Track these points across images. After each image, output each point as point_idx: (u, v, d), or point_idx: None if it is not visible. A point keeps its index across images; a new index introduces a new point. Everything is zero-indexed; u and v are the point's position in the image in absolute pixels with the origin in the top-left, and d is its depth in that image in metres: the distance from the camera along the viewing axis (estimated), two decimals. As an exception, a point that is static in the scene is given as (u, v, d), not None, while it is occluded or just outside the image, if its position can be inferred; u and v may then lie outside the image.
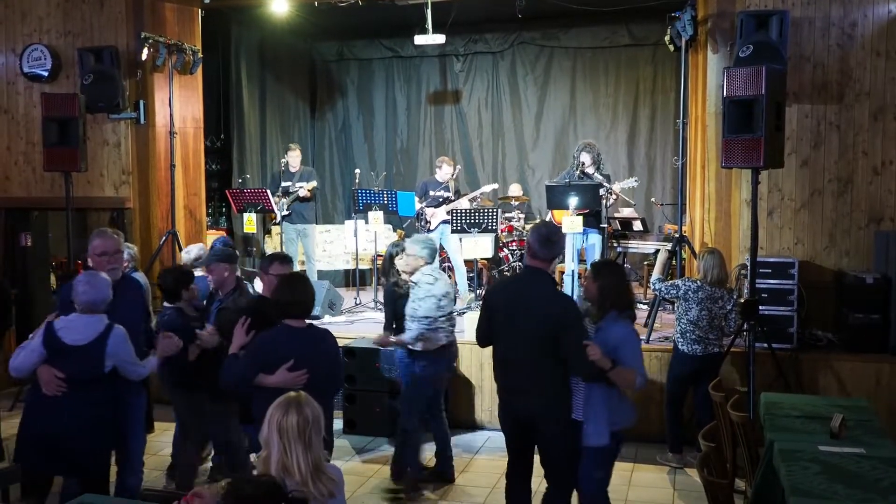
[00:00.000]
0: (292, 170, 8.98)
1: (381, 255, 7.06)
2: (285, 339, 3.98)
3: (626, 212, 9.39)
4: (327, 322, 7.65)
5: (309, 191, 8.84)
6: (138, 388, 4.63)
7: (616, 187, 7.92)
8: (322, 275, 9.64)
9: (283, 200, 8.75)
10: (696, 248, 7.15)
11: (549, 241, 4.18)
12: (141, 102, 8.21)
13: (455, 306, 7.07)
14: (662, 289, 5.98)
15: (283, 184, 8.86)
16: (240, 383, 3.99)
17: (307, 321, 4.08)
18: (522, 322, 4.13)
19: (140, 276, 6.22)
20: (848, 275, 6.41)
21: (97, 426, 4.22)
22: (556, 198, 7.73)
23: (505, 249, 9.42)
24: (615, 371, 3.94)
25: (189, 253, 6.03)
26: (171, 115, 8.29)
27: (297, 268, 9.15)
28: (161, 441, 6.44)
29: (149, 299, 6.07)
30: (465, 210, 8.20)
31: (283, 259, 4.77)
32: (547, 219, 9.41)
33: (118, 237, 4.64)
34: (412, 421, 5.45)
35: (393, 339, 5.48)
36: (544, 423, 4.15)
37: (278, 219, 8.89)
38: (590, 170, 7.99)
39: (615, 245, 8.97)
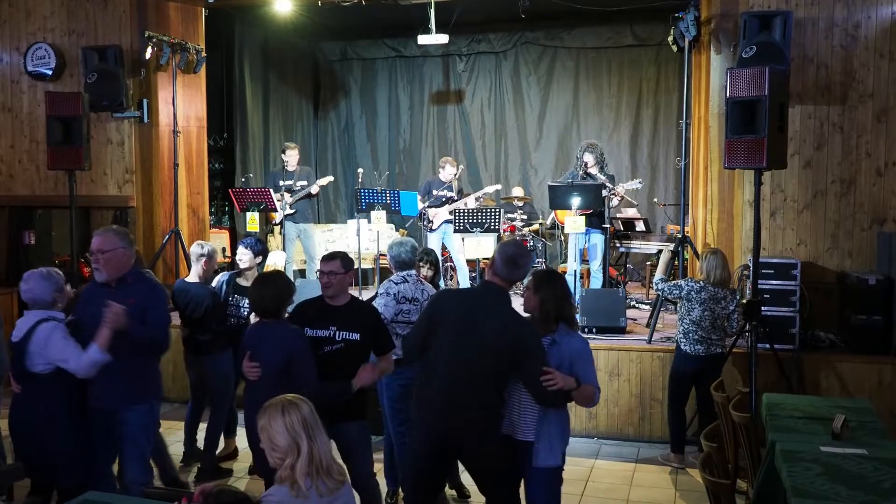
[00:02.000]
0: (290, 169, 8.93)
1: (384, 255, 7.05)
2: (251, 332, 4.32)
3: (629, 212, 9.40)
4: None
5: (322, 186, 8.86)
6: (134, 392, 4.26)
7: (620, 189, 7.92)
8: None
9: (287, 199, 8.73)
10: (699, 249, 7.15)
11: (515, 263, 3.89)
12: (144, 101, 8.23)
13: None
14: (665, 289, 5.98)
15: (284, 182, 8.83)
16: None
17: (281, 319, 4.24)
18: (473, 340, 3.78)
19: None
20: (850, 276, 6.40)
21: (46, 425, 4.15)
22: (558, 198, 7.74)
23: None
24: (579, 390, 3.72)
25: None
26: (174, 114, 8.31)
27: (297, 267, 9.21)
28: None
29: None
30: (468, 210, 8.21)
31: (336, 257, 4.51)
32: (549, 219, 9.43)
33: (112, 235, 4.22)
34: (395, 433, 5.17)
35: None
36: (481, 443, 3.84)
37: (278, 219, 8.84)
38: (593, 170, 7.99)
39: (618, 245, 8.97)
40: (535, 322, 3.91)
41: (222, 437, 6.06)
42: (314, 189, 8.75)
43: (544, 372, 3.65)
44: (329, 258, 4.40)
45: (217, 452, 5.90)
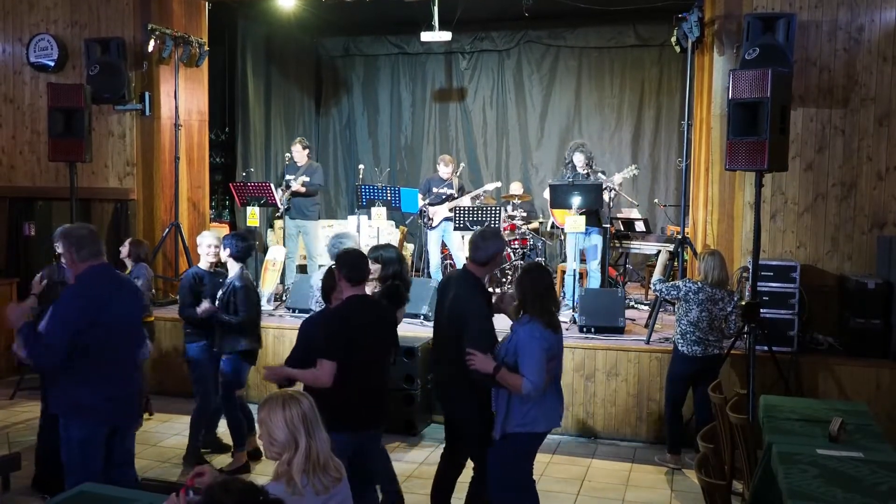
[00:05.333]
0: (298, 164, 8.89)
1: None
2: None
3: (629, 212, 9.40)
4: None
5: (302, 185, 8.53)
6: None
7: (617, 178, 7.94)
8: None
9: (284, 195, 8.68)
10: (699, 250, 7.15)
11: (475, 245, 4.39)
12: (146, 94, 8.22)
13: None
14: (663, 289, 5.98)
15: (287, 177, 8.82)
16: None
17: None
18: (441, 319, 4.50)
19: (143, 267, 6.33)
20: (850, 279, 6.40)
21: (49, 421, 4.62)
22: (559, 197, 7.74)
23: (507, 248, 9.42)
24: (501, 374, 4.04)
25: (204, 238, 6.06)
26: (176, 108, 8.31)
27: (299, 263, 9.20)
28: (159, 432, 6.46)
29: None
30: (468, 208, 8.21)
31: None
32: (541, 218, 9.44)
33: None
34: None
35: None
36: (445, 396, 4.56)
37: (280, 212, 8.85)
38: (583, 170, 8.02)
39: (617, 245, 8.97)
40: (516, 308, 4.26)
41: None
42: (294, 185, 8.53)
43: (469, 353, 4.08)
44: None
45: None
